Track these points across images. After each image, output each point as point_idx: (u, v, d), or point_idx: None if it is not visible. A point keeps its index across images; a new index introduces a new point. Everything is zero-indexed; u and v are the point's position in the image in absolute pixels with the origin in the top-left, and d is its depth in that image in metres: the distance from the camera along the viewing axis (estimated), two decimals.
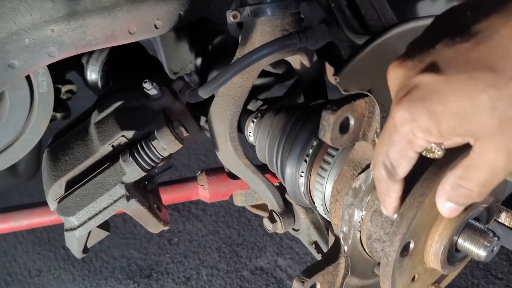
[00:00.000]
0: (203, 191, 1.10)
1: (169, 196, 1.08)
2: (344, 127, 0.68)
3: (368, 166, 0.74)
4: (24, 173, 1.28)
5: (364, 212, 0.74)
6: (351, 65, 0.64)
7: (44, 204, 1.04)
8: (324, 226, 1.04)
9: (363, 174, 0.74)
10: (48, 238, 1.96)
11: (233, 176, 1.10)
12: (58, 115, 1.24)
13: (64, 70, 1.29)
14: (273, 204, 1.05)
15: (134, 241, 1.93)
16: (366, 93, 0.67)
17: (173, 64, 1.46)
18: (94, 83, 1.26)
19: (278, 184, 1.08)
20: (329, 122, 0.66)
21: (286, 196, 1.05)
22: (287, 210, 1.06)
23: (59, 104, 1.25)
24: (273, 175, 1.10)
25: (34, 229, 2.00)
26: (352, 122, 0.69)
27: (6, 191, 1.53)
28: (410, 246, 0.69)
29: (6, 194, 2.01)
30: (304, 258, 1.86)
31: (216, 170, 1.11)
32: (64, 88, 1.26)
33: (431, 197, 0.67)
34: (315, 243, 1.07)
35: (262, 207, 1.18)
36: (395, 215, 0.70)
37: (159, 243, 1.92)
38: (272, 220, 1.06)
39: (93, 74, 1.26)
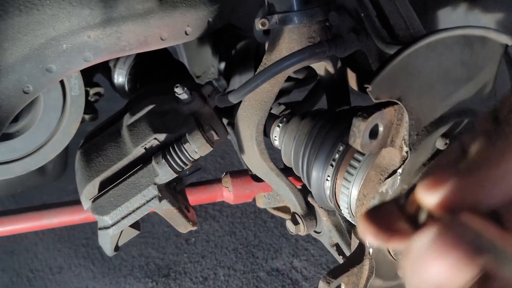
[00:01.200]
0: (228, 192, 1.13)
1: (194, 197, 1.11)
2: (373, 133, 0.71)
3: (394, 172, 0.76)
4: (52, 173, 1.32)
5: None
6: (382, 74, 0.67)
7: (73, 203, 1.08)
8: (346, 229, 1.06)
9: (389, 179, 0.76)
10: (68, 236, 2.00)
11: (257, 179, 1.13)
12: (87, 117, 1.28)
13: (92, 73, 1.33)
14: (296, 206, 1.08)
15: (153, 240, 1.96)
16: (396, 101, 0.69)
17: (195, 68, 1.49)
18: (121, 86, 1.30)
19: (300, 187, 1.10)
20: (359, 128, 0.68)
21: (309, 199, 1.07)
22: (309, 212, 1.08)
23: (87, 106, 1.29)
24: (296, 178, 1.12)
25: None
26: (381, 129, 0.71)
27: (32, 189, 1.57)
28: None
29: (27, 193, 2.05)
30: (319, 260, 1.88)
31: (240, 172, 1.14)
32: (92, 91, 1.30)
33: None
34: (337, 245, 1.09)
35: (284, 209, 1.21)
36: None
37: (176, 243, 1.96)
38: (295, 222, 1.09)
39: (120, 78, 1.29)
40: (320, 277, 1.85)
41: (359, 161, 0.83)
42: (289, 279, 1.82)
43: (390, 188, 0.76)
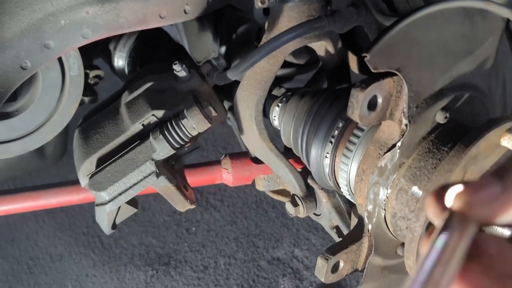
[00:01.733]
0: (227, 174, 1.12)
1: (193, 179, 1.10)
2: (372, 105, 0.70)
3: (394, 146, 0.75)
4: (51, 156, 1.32)
5: (389, 191, 0.76)
6: (380, 43, 0.66)
7: (72, 183, 1.08)
8: (346, 211, 1.06)
9: (389, 153, 0.75)
10: (69, 224, 2.00)
11: (257, 161, 1.12)
12: (86, 99, 1.27)
13: (92, 56, 1.32)
14: (296, 188, 1.07)
15: (153, 229, 1.96)
16: (395, 71, 0.69)
17: (196, 53, 1.48)
18: (121, 69, 1.29)
19: (300, 169, 1.10)
20: (357, 99, 0.68)
21: (309, 181, 1.07)
22: (309, 194, 1.08)
23: (87, 88, 1.29)
24: (296, 160, 1.12)
25: (55, 214, 2.03)
26: (380, 100, 0.70)
27: (32, 173, 1.57)
28: None
29: (26, 179, 2.05)
30: (320, 249, 1.87)
31: (240, 154, 1.13)
32: (92, 73, 1.30)
33: (456, 174, 0.68)
34: (336, 227, 1.09)
35: (283, 192, 1.20)
36: (420, 192, 0.72)
37: (177, 232, 1.95)
38: (295, 204, 1.08)
39: (120, 61, 1.29)
40: None
41: (358, 137, 0.83)
42: (290, 268, 1.81)
43: (389, 162, 0.75)
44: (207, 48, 1.46)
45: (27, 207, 1.05)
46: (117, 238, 1.93)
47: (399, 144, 0.74)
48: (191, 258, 1.85)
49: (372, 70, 0.67)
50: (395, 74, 0.69)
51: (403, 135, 0.74)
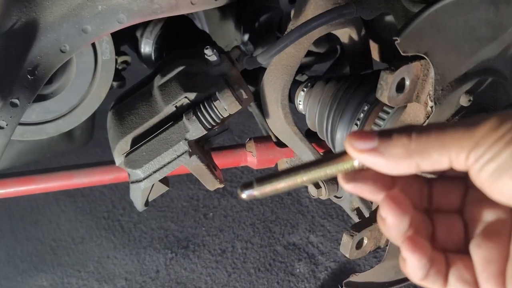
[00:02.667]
0: (251, 157, 1.16)
1: (219, 161, 1.14)
2: (400, 87, 0.73)
3: None
4: (79, 139, 1.36)
5: None
6: (411, 28, 0.69)
7: (103, 164, 1.12)
8: None
9: None
10: (90, 208, 2.05)
11: (280, 145, 1.16)
12: (114, 83, 1.31)
13: (120, 42, 1.36)
14: None
15: (172, 214, 2.01)
16: (423, 55, 0.72)
17: (218, 41, 1.52)
18: (148, 55, 1.33)
19: (322, 153, 1.13)
20: (387, 81, 0.71)
21: None
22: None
23: (115, 74, 1.32)
24: (318, 144, 1.15)
25: (76, 199, 2.09)
26: (407, 82, 0.74)
27: (60, 156, 1.61)
28: None
29: (48, 161, 2.10)
30: (335, 236, 1.91)
31: (264, 138, 1.17)
32: (120, 59, 1.33)
33: None
34: (357, 209, 1.12)
35: None
36: None
37: (195, 217, 2.00)
38: (317, 186, 1.12)
39: (146, 47, 1.32)
40: (337, 252, 1.89)
41: (383, 119, 0.86)
42: (305, 253, 1.85)
43: None
44: (229, 36, 1.49)
45: (59, 186, 1.10)
46: (136, 222, 1.98)
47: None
48: (209, 242, 1.90)
49: (402, 53, 0.70)
50: (423, 58, 0.73)
51: (428, 117, 0.77)
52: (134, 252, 1.87)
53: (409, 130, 0.41)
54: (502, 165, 0.37)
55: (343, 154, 0.44)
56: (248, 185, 0.44)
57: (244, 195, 0.44)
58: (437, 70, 0.74)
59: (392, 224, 0.44)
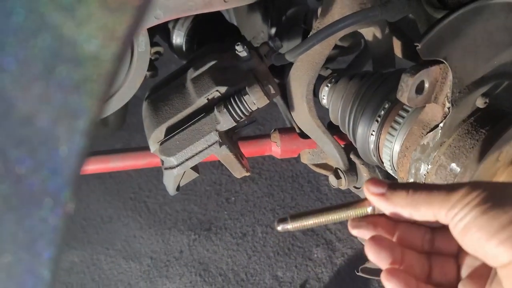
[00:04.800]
0: (276, 147, 1.22)
1: (245, 150, 1.20)
2: (419, 89, 0.79)
3: (436, 126, 0.84)
4: (113, 124, 1.44)
5: (430, 166, 0.85)
6: (431, 34, 0.74)
7: (138, 149, 1.20)
8: None
9: (431, 133, 0.84)
10: (117, 189, 2.15)
11: (303, 136, 1.22)
12: (147, 73, 1.38)
13: (153, 33, 1.43)
14: (339, 162, 1.16)
15: (195, 197, 2.09)
16: (442, 60, 0.77)
17: (245, 33, 1.57)
18: (179, 47, 1.39)
19: (343, 145, 1.19)
20: (407, 83, 0.76)
21: (351, 156, 1.16)
22: (351, 168, 1.17)
23: (148, 64, 1.39)
24: (340, 137, 1.21)
25: (104, 180, 2.19)
26: (426, 85, 0.79)
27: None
28: None
29: None
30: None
31: (288, 129, 1.23)
32: (152, 50, 1.40)
33: (492, 154, 0.76)
34: None
35: (325, 166, 1.30)
36: (458, 168, 0.81)
37: (217, 201, 2.08)
38: (337, 176, 1.18)
39: (178, 39, 1.39)
40: (353, 239, 1.94)
41: (403, 117, 0.91)
42: (323, 239, 1.92)
43: (431, 141, 0.84)
44: (255, 28, 1.54)
45: (96, 169, 1.18)
46: (161, 204, 2.07)
47: (441, 125, 0.82)
48: (231, 225, 1.98)
49: (422, 58, 0.75)
50: (442, 62, 0.78)
51: (445, 117, 0.82)
52: (159, 233, 1.96)
53: (407, 187, 0.53)
54: (467, 225, 0.48)
55: (361, 201, 0.56)
56: (283, 220, 0.55)
57: (280, 227, 0.56)
58: (455, 73, 0.78)
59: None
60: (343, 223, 1.97)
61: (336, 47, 1.51)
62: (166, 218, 2.02)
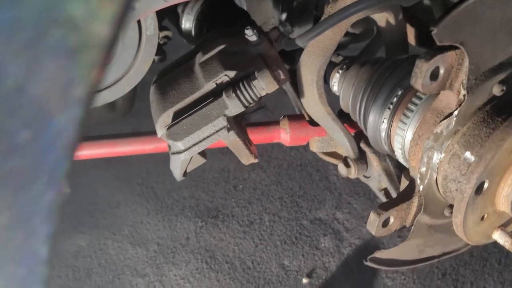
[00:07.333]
0: (285, 134, 1.20)
1: (254, 137, 1.18)
2: (434, 75, 0.76)
3: (450, 114, 0.82)
4: (121, 109, 1.43)
5: (443, 155, 0.83)
6: (447, 18, 0.71)
7: (145, 134, 1.18)
8: (395, 174, 1.13)
9: (445, 121, 0.82)
10: (125, 175, 2.14)
11: (313, 123, 1.20)
12: (156, 58, 1.36)
13: (162, 17, 1.41)
14: (349, 150, 1.14)
15: (203, 184, 2.08)
16: (458, 45, 0.74)
17: (255, 18, 1.55)
18: (188, 31, 1.37)
19: (353, 134, 1.17)
20: (421, 69, 0.74)
21: (361, 145, 1.14)
22: (361, 157, 1.15)
23: (157, 48, 1.38)
24: (350, 125, 1.19)
25: (112, 165, 2.18)
26: (441, 71, 0.76)
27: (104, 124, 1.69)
28: (485, 185, 0.77)
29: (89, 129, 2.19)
30: (361, 213, 1.95)
31: (298, 116, 1.21)
32: (161, 34, 1.38)
33: (509, 143, 0.74)
34: (385, 189, 1.16)
35: (334, 155, 1.28)
36: (473, 157, 0.78)
37: (225, 188, 2.07)
38: (347, 165, 1.16)
39: (187, 23, 1.37)
40: (361, 229, 1.93)
41: (416, 104, 0.89)
42: (331, 229, 1.91)
43: (445, 129, 0.82)
44: (266, 13, 1.52)
45: (104, 153, 1.17)
46: (169, 191, 2.06)
47: (455, 113, 0.80)
48: (238, 213, 1.97)
49: (438, 43, 0.73)
50: (458, 48, 0.75)
51: (460, 104, 0.80)
52: (166, 219, 1.95)
53: None
54: None
55: None
56: None
57: None
58: (472, 60, 0.76)
59: None
60: (351, 213, 1.95)
61: (347, 34, 1.48)
62: (173, 205, 2.01)
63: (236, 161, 2.15)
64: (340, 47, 1.53)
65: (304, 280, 1.74)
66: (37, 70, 0.25)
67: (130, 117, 2.14)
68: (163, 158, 2.20)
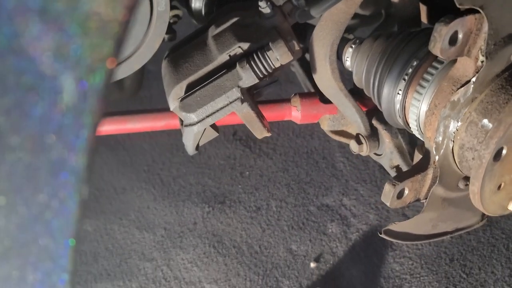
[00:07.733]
0: (296, 112, 1.20)
1: (264, 114, 1.18)
2: (452, 40, 0.76)
3: (468, 82, 0.81)
4: (129, 89, 1.43)
5: (460, 123, 0.82)
6: None
7: (156, 111, 1.18)
8: (407, 151, 1.12)
9: (462, 88, 0.81)
10: (131, 161, 2.14)
11: (324, 101, 1.19)
12: (166, 36, 1.36)
13: None
14: (360, 127, 1.14)
15: (209, 171, 2.07)
16: (478, 9, 0.74)
17: None
18: (198, 10, 1.36)
19: (365, 111, 1.16)
20: (440, 33, 0.74)
21: (373, 122, 1.13)
22: (373, 134, 1.15)
23: (167, 27, 1.37)
24: (362, 103, 1.18)
25: (117, 152, 2.17)
26: (460, 36, 0.76)
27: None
28: (503, 152, 0.76)
29: None
30: (368, 200, 1.94)
31: (309, 94, 1.21)
32: (171, 13, 1.38)
33: None
34: (397, 167, 1.15)
35: (344, 134, 1.27)
36: (490, 124, 0.78)
37: (231, 175, 2.06)
38: (359, 142, 1.15)
39: (197, 2, 1.36)
40: (369, 215, 1.93)
41: (432, 74, 0.88)
42: (338, 215, 1.90)
43: (462, 97, 0.81)
44: None
45: (114, 130, 1.16)
46: (175, 177, 2.05)
47: (473, 79, 0.79)
48: (245, 199, 1.96)
49: (457, 5, 0.72)
50: (477, 12, 0.75)
51: (477, 71, 0.79)
52: (173, 204, 1.95)
53: None
54: None
55: None
56: None
57: None
58: (491, 24, 0.75)
59: None
60: (358, 199, 1.95)
61: (356, 16, 1.48)
62: (180, 191, 2.01)
63: (242, 149, 2.16)
64: (349, 30, 1.52)
65: (312, 265, 1.73)
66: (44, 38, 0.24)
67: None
68: (169, 146, 2.20)
